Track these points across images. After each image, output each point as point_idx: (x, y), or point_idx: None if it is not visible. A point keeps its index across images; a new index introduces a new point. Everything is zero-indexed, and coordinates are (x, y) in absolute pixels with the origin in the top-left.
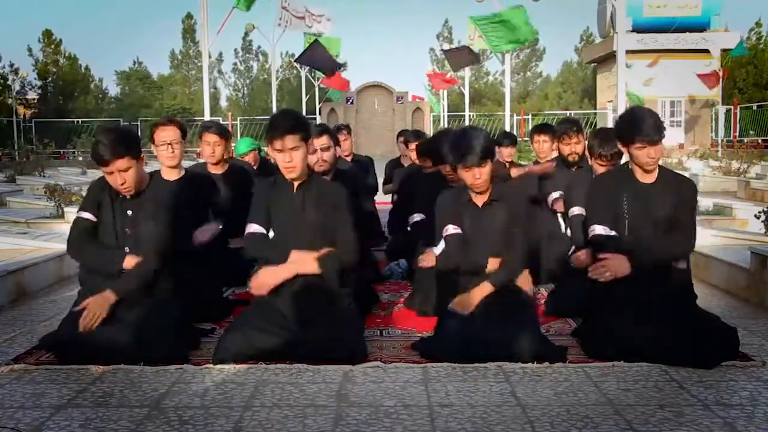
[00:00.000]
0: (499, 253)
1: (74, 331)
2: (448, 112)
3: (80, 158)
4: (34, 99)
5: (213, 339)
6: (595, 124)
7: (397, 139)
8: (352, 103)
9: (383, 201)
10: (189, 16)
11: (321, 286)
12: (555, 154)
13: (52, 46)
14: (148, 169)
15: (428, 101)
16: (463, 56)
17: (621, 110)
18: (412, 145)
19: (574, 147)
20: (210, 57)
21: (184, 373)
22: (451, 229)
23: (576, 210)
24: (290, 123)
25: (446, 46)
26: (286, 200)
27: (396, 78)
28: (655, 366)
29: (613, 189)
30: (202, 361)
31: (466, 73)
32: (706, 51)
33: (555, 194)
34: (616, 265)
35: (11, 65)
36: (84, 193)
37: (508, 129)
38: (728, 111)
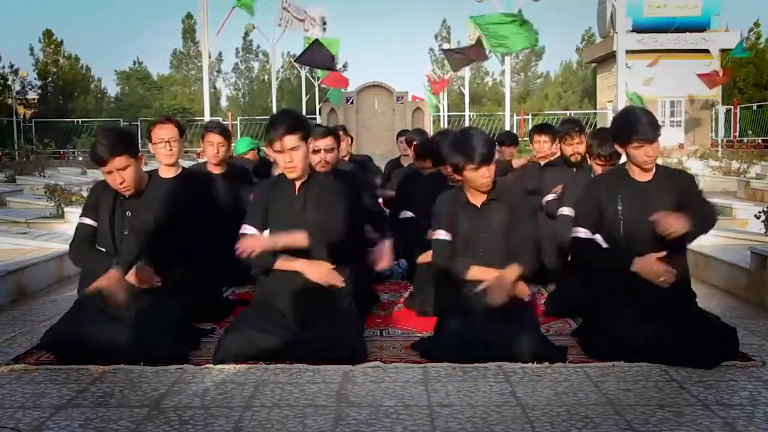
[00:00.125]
0: (500, 252)
1: (74, 330)
2: (448, 112)
3: (80, 158)
4: (34, 99)
5: (213, 339)
6: (595, 124)
7: (397, 139)
8: (352, 103)
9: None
10: (189, 16)
11: (321, 286)
12: (557, 154)
13: (53, 46)
14: (147, 169)
15: (427, 101)
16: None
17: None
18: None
19: (577, 147)
20: (210, 57)
21: (184, 373)
22: (440, 233)
23: (565, 210)
24: (289, 123)
25: (445, 46)
26: (286, 200)
27: (396, 78)
28: (655, 366)
29: (607, 190)
30: (202, 361)
31: (466, 73)
32: (706, 51)
33: (549, 196)
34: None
35: (11, 66)
36: (84, 194)
37: (508, 129)
38: (728, 111)
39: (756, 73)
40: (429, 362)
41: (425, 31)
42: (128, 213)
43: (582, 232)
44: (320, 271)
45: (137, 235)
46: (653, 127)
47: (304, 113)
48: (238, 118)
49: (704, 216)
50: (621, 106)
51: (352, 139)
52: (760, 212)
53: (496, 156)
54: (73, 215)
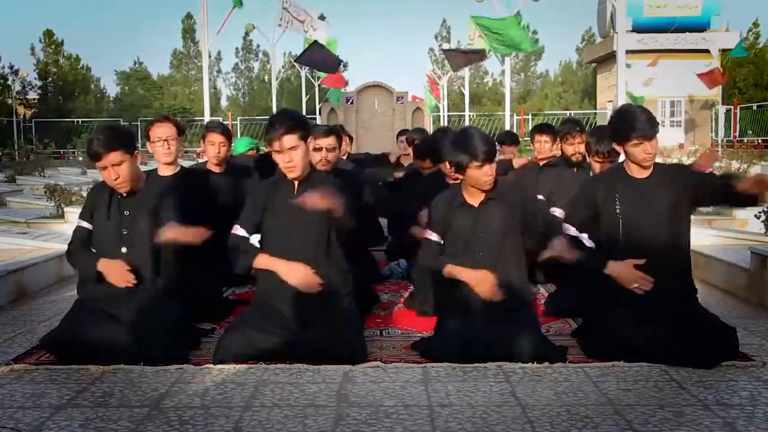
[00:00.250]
0: (498, 252)
1: (74, 331)
2: (448, 112)
3: (80, 158)
4: (34, 99)
5: (213, 339)
6: (595, 124)
7: (397, 138)
8: (352, 103)
9: None
10: (189, 16)
11: (321, 286)
12: (558, 154)
13: (53, 46)
14: (147, 169)
15: (426, 101)
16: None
17: None
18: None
19: (578, 147)
20: (210, 57)
21: (184, 373)
22: (430, 234)
23: (556, 211)
24: (288, 123)
25: (445, 46)
26: (286, 200)
27: (396, 78)
28: (655, 366)
29: (604, 189)
30: (202, 361)
31: (466, 73)
32: (706, 51)
33: (539, 197)
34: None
35: (11, 66)
36: (84, 194)
37: (508, 129)
38: (728, 111)
39: (756, 73)
40: (429, 362)
41: (425, 31)
42: (126, 212)
43: (571, 230)
44: (296, 274)
45: (135, 235)
46: (651, 124)
47: (304, 113)
48: (238, 118)
49: (727, 184)
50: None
51: (351, 138)
52: (760, 212)
53: (497, 156)
54: (73, 215)
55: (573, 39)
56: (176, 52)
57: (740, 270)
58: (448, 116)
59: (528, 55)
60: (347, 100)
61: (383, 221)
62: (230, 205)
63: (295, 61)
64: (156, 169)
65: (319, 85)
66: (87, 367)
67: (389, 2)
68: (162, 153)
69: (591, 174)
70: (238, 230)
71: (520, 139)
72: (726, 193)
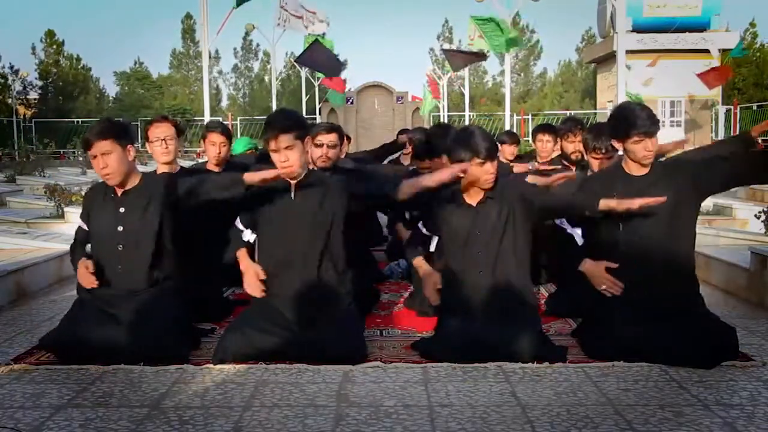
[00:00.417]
0: (495, 251)
1: (74, 331)
2: (448, 112)
3: (80, 158)
4: (34, 99)
5: (213, 339)
6: (596, 123)
7: (397, 138)
8: (352, 103)
9: None
10: (189, 16)
11: (321, 286)
12: (556, 153)
13: (54, 47)
14: (148, 169)
15: (424, 101)
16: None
17: None
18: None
19: (578, 146)
20: (210, 57)
21: (184, 373)
22: (422, 228)
23: None
24: (284, 122)
25: (446, 46)
26: (283, 200)
27: (396, 78)
28: (655, 366)
29: (602, 188)
30: (202, 361)
31: (466, 73)
32: (706, 51)
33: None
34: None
35: (11, 66)
36: (84, 193)
37: (507, 128)
38: (728, 111)
39: (756, 72)
40: (429, 362)
41: (425, 31)
42: (122, 210)
43: (565, 224)
44: (246, 280)
45: (131, 232)
46: (652, 121)
47: (304, 113)
48: (238, 118)
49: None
50: None
51: (348, 138)
52: (760, 212)
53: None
54: (73, 215)
55: (573, 39)
56: (176, 52)
57: (740, 270)
58: (448, 116)
59: (528, 55)
60: (347, 100)
61: (383, 221)
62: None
63: (295, 61)
64: (154, 170)
65: (319, 85)
66: (87, 367)
67: (389, 2)
68: (160, 153)
69: (589, 172)
70: (238, 223)
71: (521, 139)
72: (745, 164)
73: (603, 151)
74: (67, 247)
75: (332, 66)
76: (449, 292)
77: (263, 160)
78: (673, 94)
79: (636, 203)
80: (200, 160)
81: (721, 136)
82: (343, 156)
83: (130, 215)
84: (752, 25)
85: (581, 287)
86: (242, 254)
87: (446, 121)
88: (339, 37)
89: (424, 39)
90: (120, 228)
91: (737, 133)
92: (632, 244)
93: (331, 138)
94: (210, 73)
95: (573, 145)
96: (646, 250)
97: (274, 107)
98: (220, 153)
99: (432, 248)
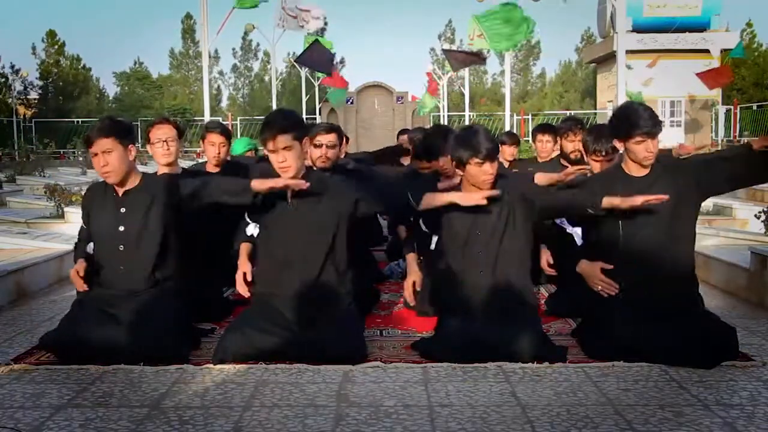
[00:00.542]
0: (495, 251)
1: (74, 331)
2: (448, 112)
3: (80, 158)
4: (34, 99)
5: (213, 339)
6: (596, 124)
7: (398, 138)
8: (352, 103)
9: None
10: (189, 16)
11: (320, 286)
12: (556, 153)
13: (55, 47)
14: (147, 170)
15: (422, 99)
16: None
17: None
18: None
19: (578, 145)
20: (210, 57)
21: (184, 373)
22: (423, 227)
23: None
24: (282, 123)
25: (446, 46)
26: (282, 200)
27: (396, 78)
28: (655, 366)
29: (602, 189)
30: (202, 361)
31: (466, 73)
32: (706, 51)
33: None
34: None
35: (12, 66)
36: (83, 193)
37: (508, 129)
38: (728, 111)
39: (757, 72)
40: (429, 362)
41: (425, 31)
42: (122, 210)
43: (565, 224)
44: (236, 277)
45: (131, 232)
46: (654, 122)
47: (304, 113)
48: (238, 118)
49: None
50: None
51: (347, 138)
52: (760, 212)
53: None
54: (73, 215)
55: (572, 39)
56: (176, 52)
57: (740, 270)
58: (448, 116)
59: (527, 55)
60: (347, 100)
61: (383, 221)
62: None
63: (295, 61)
64: (156, 172)
65: (319, 85)
66: (87, 367)
67: (389, 2)
68: (161, 154)
69: (589, 173)
70: (246, 216)
71: (521, 139)
72: (744, 166)
73: (603, 153)
74: (67, 247)
75: (325, 62)
76: (449, 292)
77: (263, 162)
78: (673, 94)
79: (638, 200)
80: (200, 161)
81: (721, 136)
82: (343, 156)
83: (131, 216)
84: (749, 25)
85: (581, 287)
86: (242, 250)
87: (446, 121)
88: (339, 37)
89: (425, 39)
90: (121, 228)
91: (737, 133)
92: (632, 244)
93: (330, 138)
94: (210, 73)
95: (572, 145)
96: (646, 250)
97: (275, 107)
98: (219, 153)
99: (432, 247)
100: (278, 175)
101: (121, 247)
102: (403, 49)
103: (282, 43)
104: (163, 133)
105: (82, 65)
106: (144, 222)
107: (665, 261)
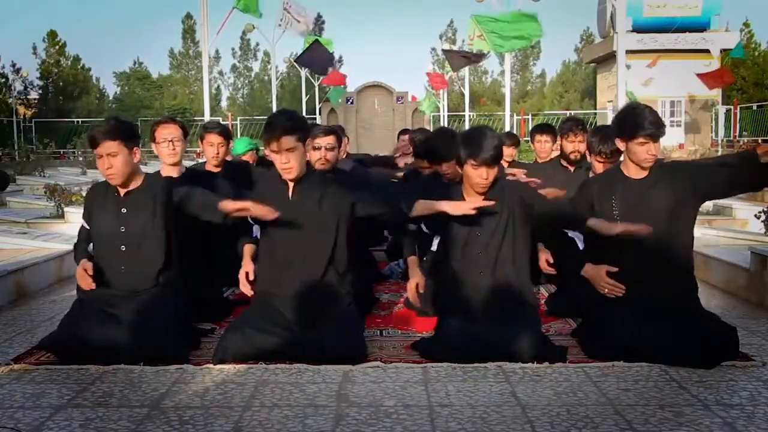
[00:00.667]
0: (495, 253)
1: (74, 331)
2: (448, 112)
3: (80, 158)
4: (34, 99)
5: (213, 339)
6: (595, 124)
7: (398, 138)
8: (352, 103)
9: None
10: (189, 17)
11: (321, 286)
12: (555, 154)
13: (56, 47)
14: (149, 170)
15: (423, 99)
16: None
17: None
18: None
19: (578, 146)
20: (210, 57)
21: (184, 373)
22: (423, 227)
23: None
24: (287, 124)
25: (446, 46)
26: (281, 200)
27: (396, 78)
28: (655, 366)
29: (601, 191)
30: (202, 361)
31: (466, 73)
32: (706, 51)
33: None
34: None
35: (13, 65)
36: (84, 193)
37: (507, 129)
38: (728, 111)
39: (757, 71)
40: (429, 362)
41: (426, 31)
42: (124, 210)
43: (571, 233)
44: (240, 276)
45: (133, 232)
46: (658, 125)
47: (304, 113)
48: (238, 118)
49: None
50: (621, 106)
51: (347, 139)
52: (760, 212)
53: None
54: (73, 215)
55: (572, 39)
56: (176, 52)
57: (740, 270)
58: (448, 116)
59: (526, 55)
60: (347, 100)
61: None
62: None
63: (295, 61)
64: (158, 171)
65: (319, 85)
66: (87, 367)
67: (390, 2)
68: (167, 154)
69: (591, 174)
70: (248, 217)
71: (520, 140)
72: (743, 174)
73: (608, 154)
74: (67, 247)
75: (324, 63)
76: (449, 292)
77: (264, 164)
78: (673, 94)
79: (618, 229)
80: (200, 160)
81: (721, 136)
82: (344, 156)
83: (133, 216)
84: (746, 24)
85: (581, 287)
86: (246, 250)
87: (446, 120)
88: (339, 37)
89: (425, 39)
90: (122, 228)
91: (737, 133)
92: (632, 245)
93: (328, 140)
94: (210, 73)
95: (573, 145)
96: (645, 250)
97: (275, 107)
98: (218, 154)
99: (433, 247)
100: (279, 177)
101: (123, 248)
102: (403, 49)
103: (282, 43)
104: (168, 132)
105: (81, 65)
106: (145, 223)
107: (664, 261)
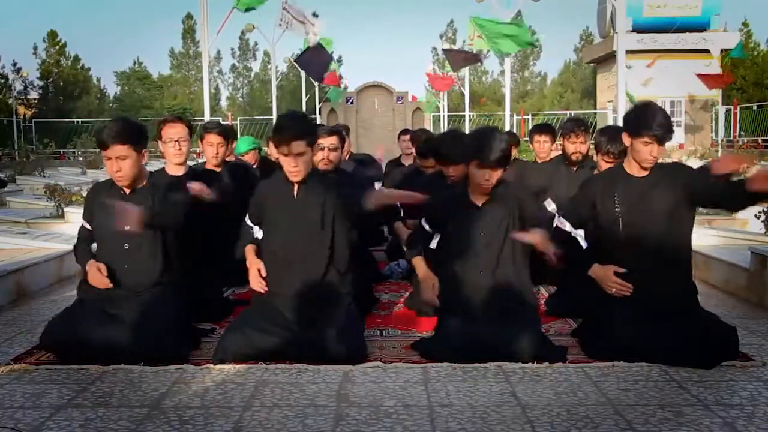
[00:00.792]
0: (497, 253)
1: (74, 330)
2: (448, 112)
3: (80, 158)
4: (34, 99)
5: (213, 339)
6: (595, 124)
7: (399, 138)
8: (352, 103)
9: None
10: (189, 17)
11: (321, 286)
12: (554, 154)
13: (56, 47)
14: (149, 169)
15: (425, 100)
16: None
17: (621, 110)
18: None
19: (579, 146)
20: (210, 57)
21: (184, 373)
22: (425, 225)
23: (550, 205)
24: (299, 128)
25: (446, 46)
26: (285, 200)
27: (396, 78)
28: (655, 366)
29: (603, 189)
30: (202, 361)
31: (466, 73)
32: (706, 51)
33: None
34: (601, 277)
35: (13, 65)
36: (84, 194)
37: (507, 129)
38: (728, 111)
39: (757, 71)
40: (429, 362)
41: (426, 31)
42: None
43: (567, 226)
44: (250, 275)
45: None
46: (666, 129)
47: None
48: (238, 118)
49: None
50: (621, 106)
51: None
52: (760, 212)
53: None
54: (73, 215)
55: (572, 39)
56: (176, 52)
57: (740, 270)
58: (448, 116)
59: (526, 55)
60: (347, 100)
61: None
62: (230, 206)
63: (294, 61)
64: (163, 168)
65: (319, 85)
66: (87, 367)
67: (390, 2)
68: (173, 153)
69: (596, 172)
70: (247, 219)
71: (520, 140)
72: (729, 194)
73: (615, 154)
74: (67, 247)
75: (321, 68)
76: (449, 292)
77: (264, 165)
78: (673, 94)
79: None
80: (200, 160)
81: (721, 136)
82: (347, 157)
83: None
84: (745, 24)
85: (581, 287)
86: (249, 250)
87: (446, 120)
88: (339, 37)
89: (425, 39)
90: (126, 227)
91: (737, 133)
92: (633, 244)
93: (331, 141)
94: (210, 73)
95: (574, 146)
96: (646, 250)
97: (275, 107)
98: (218, 154)
99: (433, 245)
100: (284, 177)
101: (126, 246)
102: (403, 49)
103: (282, 43)
104: (175, 132)
105: (81, 65)
106: (150, 219)
107: (664, 261)
